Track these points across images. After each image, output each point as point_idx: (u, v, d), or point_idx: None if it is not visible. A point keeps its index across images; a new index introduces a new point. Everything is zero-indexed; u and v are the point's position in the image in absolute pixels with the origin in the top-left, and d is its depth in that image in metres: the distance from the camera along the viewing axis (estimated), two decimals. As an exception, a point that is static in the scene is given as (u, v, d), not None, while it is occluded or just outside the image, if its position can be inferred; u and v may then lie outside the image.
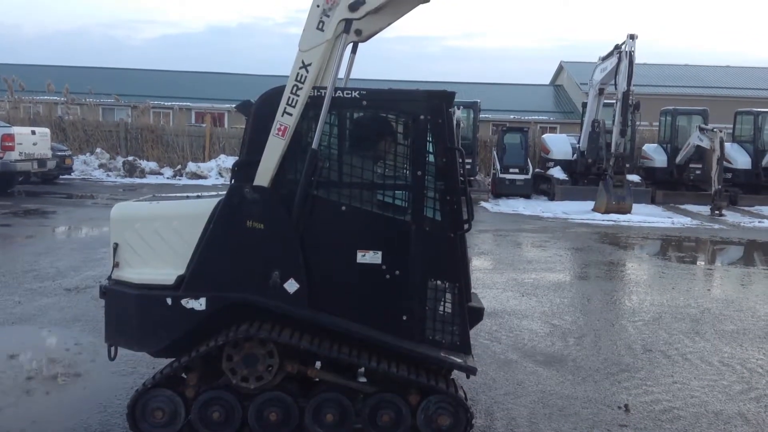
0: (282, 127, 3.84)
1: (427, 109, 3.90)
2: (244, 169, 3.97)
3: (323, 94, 3.84)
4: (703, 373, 5.63)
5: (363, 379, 4.22)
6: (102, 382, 4.97)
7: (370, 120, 4.17)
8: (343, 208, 3.95)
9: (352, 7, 3.80)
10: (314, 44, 3.84)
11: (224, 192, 4.08)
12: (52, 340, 6.00)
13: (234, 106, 4.98)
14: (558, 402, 4.89)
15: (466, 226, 4.06)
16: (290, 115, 3.83)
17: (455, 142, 4.06)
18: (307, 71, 3.83)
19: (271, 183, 3.90)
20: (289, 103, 3.83)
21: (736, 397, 5.13)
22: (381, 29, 4.05)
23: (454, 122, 4.90)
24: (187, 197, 4.60)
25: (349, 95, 3.92)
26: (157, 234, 4.08)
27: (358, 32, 3.93)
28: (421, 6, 4.07)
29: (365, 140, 4.14)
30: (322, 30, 3.83)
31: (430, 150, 3.94)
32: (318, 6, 3.82)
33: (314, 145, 3.82)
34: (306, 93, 3.84)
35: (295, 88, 3.83)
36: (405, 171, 4.00)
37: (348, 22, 3.84)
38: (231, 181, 4.06)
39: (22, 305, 6.95)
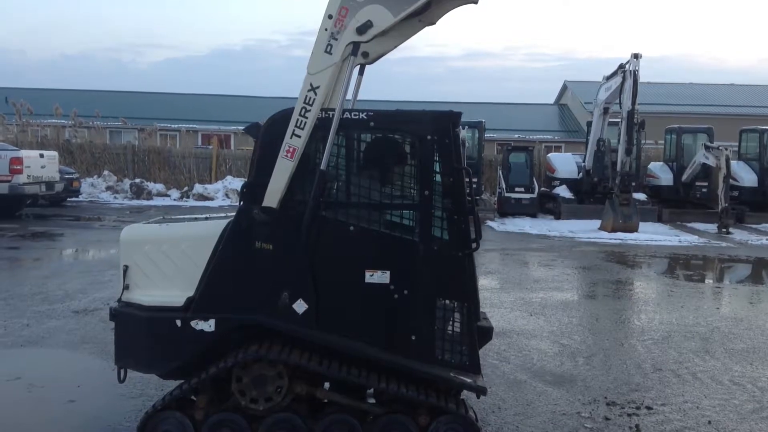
0: (291, 149, 3.87)
1: (433, 130, 3.93)
2: (253, 191, 3.99)
3: (331, 116, 3.88)
4: (714, 393, 5.59)
5: (372, 400, 4.21)
6: (110, 404, 4.95)
7: (377, 141, 4.20)
8: (351, 228, 3.96)
9: (360, 31, 3.85)
10: (322, 67, 3.88)
11: (232, 213, 4.10)
12: (60, 363, 6.00)
13: (242, 128, 5.02)
14: (569, 422, 4.86)
15: (474, 246, 4.07)
16: (299, 137, 3.87)
17: (462, 161, 4.08)
18: (316, 94, 3.87)
19: (280, 204, 3.92)
20: (298, 125, 3.87)
21: (748, 417, 5.09)
22: (388, 51, 4.09)
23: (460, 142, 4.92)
24: (196, 219, 4.63)
25: (357, 116, 3.95)
26: (166, 256, 4.11)
27: (365, 54, 3.97)
28: (427, 27, 4.11)
29: (373, 161, 4.16)
30: (330, 53, 3.88)
31: (437, 170, 3.96)
32: (326, 29, 3.87)
33: (323, 166, 3.85)
34: (314, 115, 3.88)
35: (303, 110, 3.87)
36: (412, 191, 4.02)
37: (356, 45, 3.89)
38: (239, 203, 4.09)
39: (31, 327, 6.96)
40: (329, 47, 3.87)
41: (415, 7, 3.88)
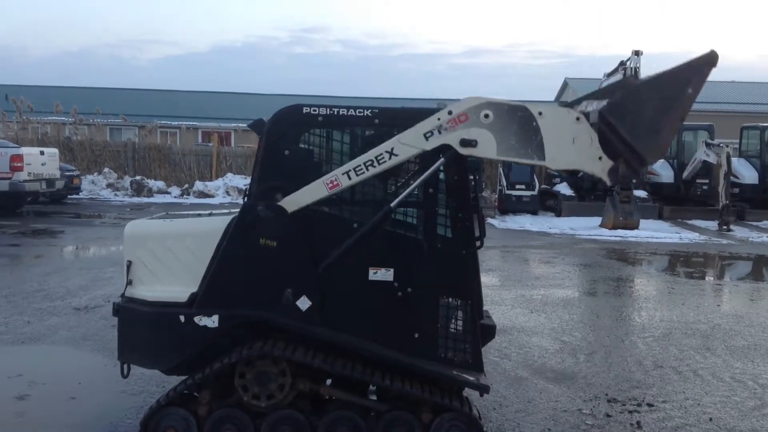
0: (335, 183, 3.87)
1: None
2: (258, 188, 3.99)
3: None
4: (715, 390, 5.60)
5: (373, 397, 4.22)
6: (111, 401, 4.96)
7: (381, 138, 4.19)
8: (355, 225, 3.95)
9: (463, 143, 3.82)
10: (412, 144, 3.86)
11: (236, 210, 4.10)
12: (61, 360, 6.01)
13: (243, 125, 5.01)
14: (570, 419, 4.87)
15: (478, 244, 4.07)
16: (350, 179, 3.86)
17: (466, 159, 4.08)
18: (390, 158, 3.86)
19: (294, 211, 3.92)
20: (356, 169, 3.85)
21: (749, 414, 5.10)
22: None
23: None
24: (199, 215, 4.63)
25: (362, 113, 3.95)
26: (170, 251, 4.10)
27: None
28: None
29: None
30: (426, 140, 3.85)
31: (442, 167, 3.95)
32: (438, 119, 3.84)
33: (393, 204, 3.84)
34: (375, 173, 3.87)
35: (370, 162, 3.85)
36: (416, 189, 4.01)
37: (452, 149, 3.85)
38: (244, 199, 4.08)
39: (32, 325, 6.96)
40: (430, 134, 3.84)
41: (515, 161, 3.94)
